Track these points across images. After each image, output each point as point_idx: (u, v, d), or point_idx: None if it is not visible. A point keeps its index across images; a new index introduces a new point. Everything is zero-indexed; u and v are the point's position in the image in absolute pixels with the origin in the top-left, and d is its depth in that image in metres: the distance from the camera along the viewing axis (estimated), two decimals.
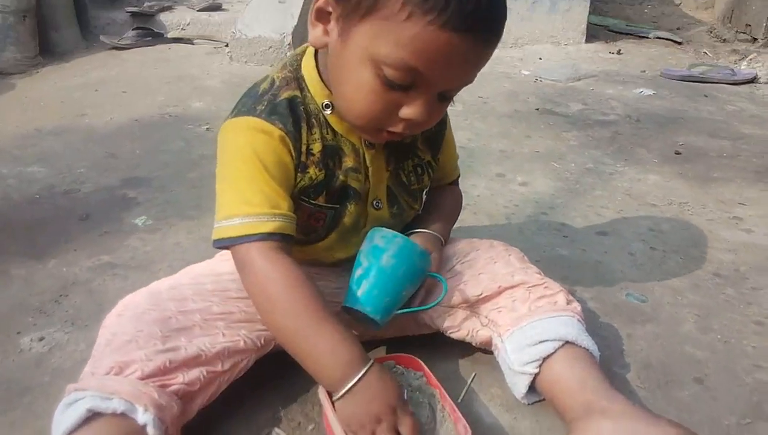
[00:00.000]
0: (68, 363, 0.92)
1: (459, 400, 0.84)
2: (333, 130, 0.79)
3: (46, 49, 2.79)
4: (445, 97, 0.72)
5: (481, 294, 0.85)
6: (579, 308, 0.85)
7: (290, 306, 0.71)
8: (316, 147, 0.77)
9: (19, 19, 2.62)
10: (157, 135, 1.86)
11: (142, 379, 0.67)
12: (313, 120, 0.77)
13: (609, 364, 0.90)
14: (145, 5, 3.20)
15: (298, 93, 0.77)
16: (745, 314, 1.05)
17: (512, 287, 0.85)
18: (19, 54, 2.62)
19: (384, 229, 0.83)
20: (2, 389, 0.86)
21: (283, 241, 0.73)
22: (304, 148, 0.76)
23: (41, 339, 0.97)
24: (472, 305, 0.86)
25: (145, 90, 2.32)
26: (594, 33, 3.19)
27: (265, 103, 0.75)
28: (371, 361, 0.71)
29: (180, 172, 1.60)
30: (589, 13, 3.08)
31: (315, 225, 0.82)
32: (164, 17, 3.19)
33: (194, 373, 0.71)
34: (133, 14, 3.15)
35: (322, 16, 0.70)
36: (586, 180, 1.60)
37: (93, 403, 0.65)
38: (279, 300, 0.71)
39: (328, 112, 0.78)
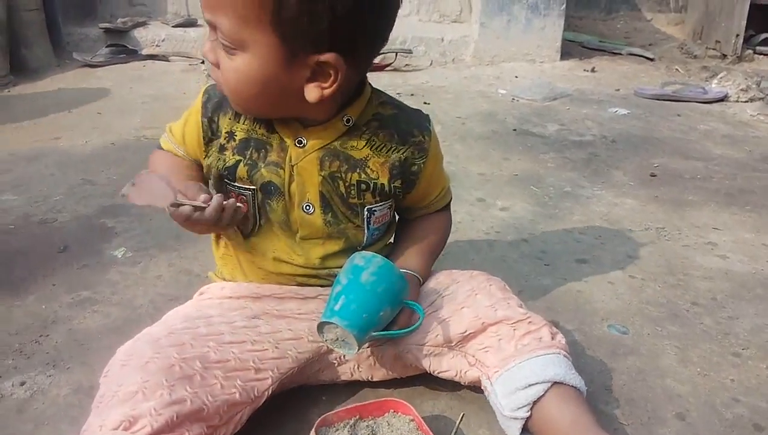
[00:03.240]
0: (52, 409, 0.90)
1: None
2: (268, 125, 0.85)
3: (17, 66, 2.74)
4: (223, 46, 0.74)
5: (466, 331, 0.85)
6: (563, 341, 0.85)
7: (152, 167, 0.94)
8: (240, 135, 0.85)
9: None
10: (134, 159, 1.84)
11: (152, 434, 0.67)
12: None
13: (594, 400, 0.91)
14: (118, 21, 3.17)
15: None
16: (722, 345, 1.07)
17: (496, 323, 0.85)
18: None
19: (363, 251, 0.85)
20: None
21: None
22: (224, 131, 0.85)
23: (22, 383, 0.95)
24: (458, 343, 0.86)
25: (121, 111, 2.30)
26: (568, 50, 3.25)
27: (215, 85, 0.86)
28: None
29: None
30: (563, 30, 3.13)
31: (242, 206, 0.86)
32: (138, 33, 3.17)
33: (196, 429, 0.71)
34: (107, 30, 3.12)
35: None
36: (565, 204, 1.62)
37: None
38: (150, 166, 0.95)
39: None
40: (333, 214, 0.87)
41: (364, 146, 0.85)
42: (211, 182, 0.92)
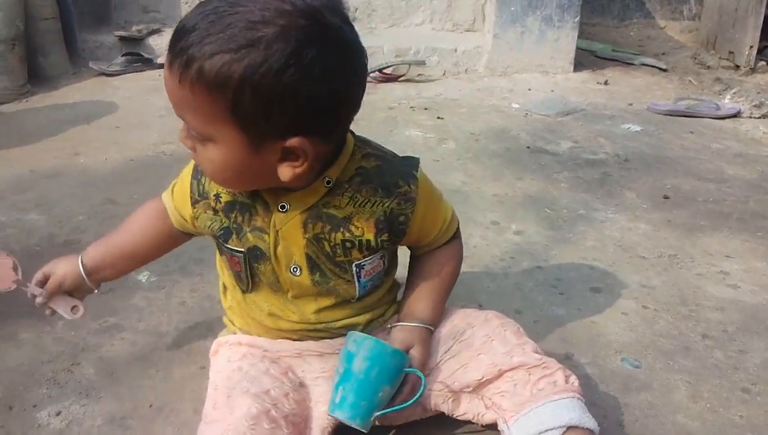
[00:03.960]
0: None
1: None
2: (253, 190, 0.86)
3: (34, 75, 2.78)
4: (197, 140, 0.76)
5: (482, 378, 0.89)
6: (577, 384, 0.88)
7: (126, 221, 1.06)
8: (225, 197, 0.87)
9: (9, 47, 2.62)
10: (154, 177, 1.87)
11: None
12: None
13: None
14: (133, 29, 3.20)
15: None
16: (732, 380, 1.10)
17: (512, 369, 0.88)
18: (8, 83, 2.61)
19: (356, 332, 0.88)
20: None
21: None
22: (212, 194, 0.87)
23: (58, 413, 0.99)
24: (475, 389, 0.90)
25: (138, 124, 2.33)
26: (581, 60, 3.25)
27: None
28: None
29: None
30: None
31: (236, 269, 0.90)
32: (153, 41, 3.19)
33: None
34: (122, 38, 3.15)
35: None
36: (579, 228, 1.65)
37: None
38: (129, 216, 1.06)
39: None
40: (321, 274, 0.88)
41: (347, 204, 0.84)
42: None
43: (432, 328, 0.95)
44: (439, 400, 0.91)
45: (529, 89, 2.91)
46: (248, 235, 0.86)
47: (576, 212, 1.74)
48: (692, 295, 1.36)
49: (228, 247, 0.89)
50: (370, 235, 0.86)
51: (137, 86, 2.81)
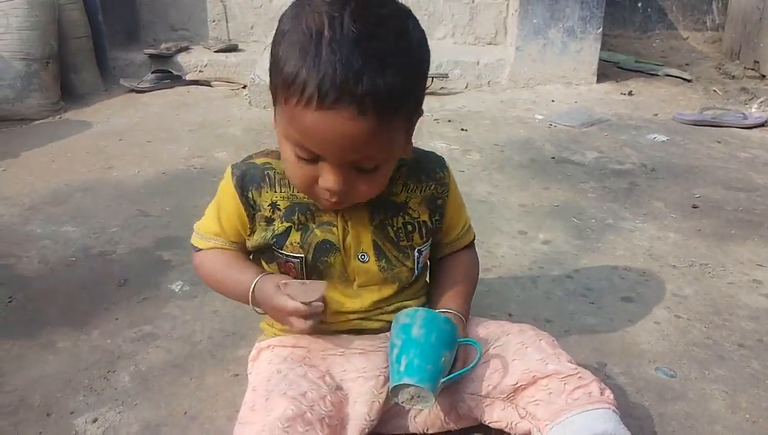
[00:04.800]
0: None
1: None
2: None
3: (66, 92, 2.85)
4: (364, 169, 0.79)
5: (517, 383, 0.88)
6: (612, 397, 0.88)
7: (215, 270, 0.96)
8: (283, 203, 0.89)
9: (43, 65, 2.69)
10: (185, 189, 1.91)
11: None
12: (286, 181, 0.89)
13: None
14: (162, 47, 3.27)
15: (275, 161, 0.91)
16: None
17: (546, 377, 0.88)
18: (42, 100, 2.68)
19: (404, 309, 0.90)
20: None
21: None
22: (267, 204, 0.89)
23: (95, 420, 1.01)
24: (509, 396, 0.89)
25: (169, 139, 2.38)
26: (604, 71, 3.25)
27: (243, 160, 0.94)
28: (257, 278, 0.89)
29: None
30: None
31: (292, 274, 0.91)
32: (182, 58, 3.26)
33: None
34: (152, 56, 3.22)
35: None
36: (608, 237, 1.64)
37: None
38: (210, 268, 0.96)
39: None
40: (387, 260, 0.92)
41: (401, 191, 0.92)
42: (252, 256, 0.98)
43: (464, 318, 0.96)
44: (472, 404, 0.91)
45: (553, 101, 2.91)
46: (316, 231, 0.89)
47: (604, 222, 1.73)
48: (725, 304, 1.34)
49: (283, 254, 0.91)
50: (425, 217, 0.94)
51: (166, 102, 2.87)
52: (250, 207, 0.90)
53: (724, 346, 1.20)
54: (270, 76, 0.79)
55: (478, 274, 1.07)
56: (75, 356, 1.17)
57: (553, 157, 2.21)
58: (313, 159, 0.77)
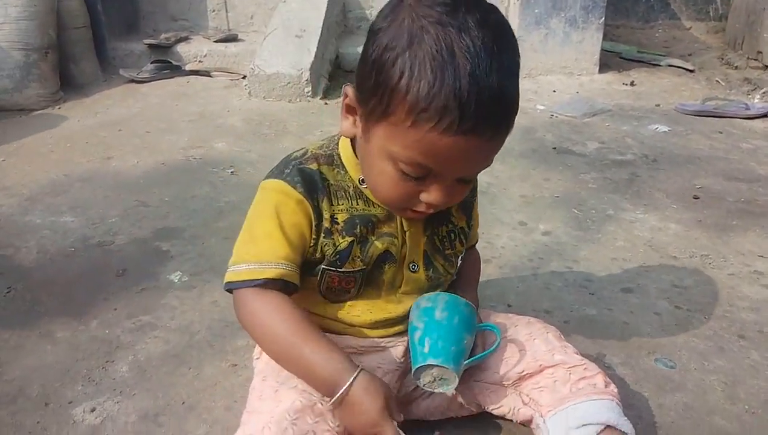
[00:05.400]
0: None
1: None
2: (366, 200, 0.84)
3: (65, 82, 2.85)
4: (465, 181, 0.77)
5: (523, 371, 0.88)
6: (616, 390, 0.88)
7: (280, 332, 0.79)
8: (341, 217, 0.83)
9: (42, 55, 2.69)
10: (184, 180, 1.90)
11: None
12: (342, 193, 0.84)
13: None
14: (162, 37, 3.26)
15: (326, 168, 0.84)
16: None
17: (553, 366, 0.88)
18: (41, 90, 2.68)
19: (425, 294, 0.89)
20: None
21: (283, 287, 0.80)
22: (327, 215, 0.82)
23: (93, 410, 1.01)
24: (514, 383, 0.90)
25: (168, 129, 2.37)
26: (606, 61, 3.23)
27: (291, 168, 0.83)
28: (357, 371, 0.77)
29: (209, 222, 1.64)
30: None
31: (347, 287, 0.86)
32: (181, 48, 3.25)
33: None
34: (151, 46, 3.21)
35: (351, 110, 0.78)
36: (608, 228, 1.63)
37: None
38: (270, 327, 0.79)
39: (364, 186, 0.84)
40: (434, 270, 0.90)
41: None
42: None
43: (476, 309, 0.95)
44: (477, 391, 0.91)
45: (554, 91, 2.90)
46: (376, 243, 0.85)
47: (604, 213, 1.72)
48: (726, 295, 1.33)
49: (341, 272, 0.84)
50: (463, 223, 0.93)
51: (166, 93, 2.86)
52: (318, 215, 0.81)
53: (724, 337, 1.20)
54: (363, 89, 0.72)
55: (480, 268, 1.08)
56: (73, 346, 1.17)
57: (554, 148, 2.20)
58: (423, 177, 0.73)
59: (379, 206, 0.85)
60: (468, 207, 0.94)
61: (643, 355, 1.14)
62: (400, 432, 0.76)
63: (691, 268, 1.44)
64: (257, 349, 0.99)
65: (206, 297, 1.32)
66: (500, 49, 0.67)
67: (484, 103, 0.65)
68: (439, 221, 0.90)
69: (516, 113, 0.71)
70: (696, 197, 1.82)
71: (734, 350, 1.16)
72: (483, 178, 1.94)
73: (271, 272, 0.79)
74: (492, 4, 0.71)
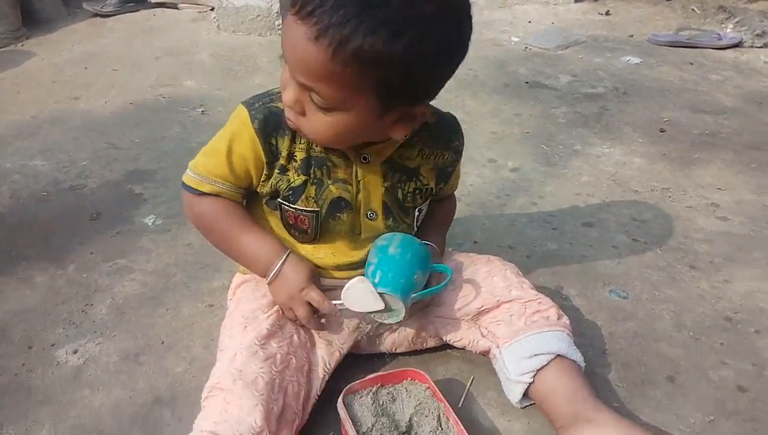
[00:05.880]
0: (104, 376, 1.01)
1: (459, 405, 0.94)
2: None
3: (28, 18, 2.75)
4: (317, 104, 0.75)
5: (482, 307, 0.95)
6: (568, 322, 0.94)
7: (224, 227, 0.91)
8: (300, 155, 0.86)
9: None
10: (154, 120, 1.89)
11: None
12: None
13: (592, 364, 1.00)
14: None
15: None
16: (715, 309, 1.15)
17: (509, 302, 0.94)
18: (2, 27, 2.58)
19: (383, 234, 0.93)
20: (48, 404, 0.95)
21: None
22: (285, 153, 0.86)
23: (75, 351, 1.05)
24: (473, 317, 0.96)
25: (136, 67, 2.32)
26: None
27: (261, 102, 0.86)
28: (287, 252, 0.89)
29: (181, 163, 1.63)
30: None
31: (302, 226, 0.91)
32: None
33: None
34: None
35: None
36: (574, 164, 1.67)
37: None
38: (215, 223, 0.91)
39: None
40: (393, 219, 0.93)
41: (416, 156, 0.91)
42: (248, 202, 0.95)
43: (439, 250, 1.00)
44: (439, 325, 0.98)
45: (530, 21, 2.86)
46: (330, 187, 0.87)
47: (572, 148, 1.76)
48: (682, 227, 1.39)
49: (295, 208, 0.88)
50: (432, 183, 0.94)
51: (132, 28, 2.78)
52: (272, 154, 0.86)
53: (676, 268, 1.26)
54: None
55: (454, 213, 1.12)
56: (53, 290, 1.20)
57: (527, 82, 2.20)
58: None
59: (336, 151, 0.87)
60: (443, 170, 0.95)
61: (599, 287, 1.20)
62: (323, 295, 0.87)
63: (652, 201, 1.49)
64: (231, 289, 1.04)
65: (181, 239, 1.35)
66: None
67: (324, 3, 0.66)
68: (405, 176, 0.91)
69: (365, 62, 0.68)
70: (662, 130, 1.85)
71: (685, 280, 1.23)
72: (455, 113, 1.94)
73: (207, 187, 0.88)
74: None
